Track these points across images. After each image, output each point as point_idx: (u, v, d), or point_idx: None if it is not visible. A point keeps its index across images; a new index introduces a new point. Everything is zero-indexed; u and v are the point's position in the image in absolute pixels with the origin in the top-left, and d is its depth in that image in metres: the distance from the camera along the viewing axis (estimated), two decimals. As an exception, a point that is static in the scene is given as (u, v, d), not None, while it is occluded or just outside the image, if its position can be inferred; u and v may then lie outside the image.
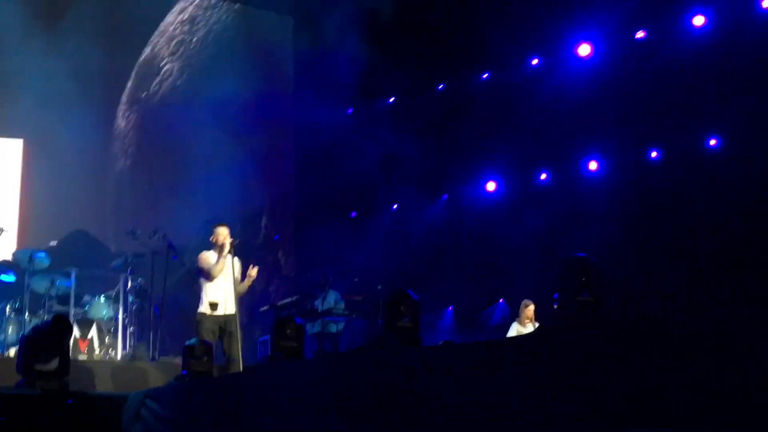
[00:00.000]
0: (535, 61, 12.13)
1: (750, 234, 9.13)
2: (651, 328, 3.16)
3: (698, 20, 10.04)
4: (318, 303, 10.59)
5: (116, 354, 9.70)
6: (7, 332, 9.40)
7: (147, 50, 15.73)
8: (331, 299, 10.91)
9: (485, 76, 12.76)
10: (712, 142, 10.06)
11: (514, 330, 10.12)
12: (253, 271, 8.49)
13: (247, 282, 8.48)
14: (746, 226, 9.19)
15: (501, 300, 12.19)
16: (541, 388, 3.25)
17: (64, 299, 9.96)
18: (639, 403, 2.90)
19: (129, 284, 10.07)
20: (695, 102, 9.92)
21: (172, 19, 15.86)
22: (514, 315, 10.58)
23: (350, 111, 14.26)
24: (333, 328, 10.97)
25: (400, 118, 13.50)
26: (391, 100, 13.94)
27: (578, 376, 3.17)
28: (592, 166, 11.35)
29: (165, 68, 15.42)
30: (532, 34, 11.84)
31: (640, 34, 10.68)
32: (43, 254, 10.03)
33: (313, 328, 10.78)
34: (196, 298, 8.48)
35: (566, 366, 3.23)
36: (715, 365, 2.71)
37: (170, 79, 15.23)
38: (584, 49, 11.25)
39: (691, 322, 3.00)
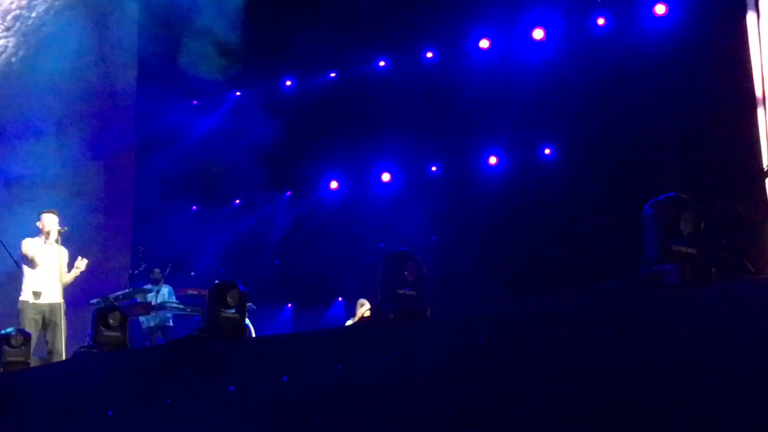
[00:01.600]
0: (383, 63, 12.27)
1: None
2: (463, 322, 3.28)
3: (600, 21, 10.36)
4: (152, 296, 10.35)
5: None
6: None
7: None
8: (165, 293, 10.70)
9: (332, 75, 12.83)
10: (547, 151, 10.55)
11: (349, 327, 10.20)
12: (82, 263, 8.23)
13: (74, 273, 8.21)
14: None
15: (340, 299, 12.30)
16: (358, 383, 3.31)
17: None
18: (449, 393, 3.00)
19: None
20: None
21: None
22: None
23: (195, 102, 14.02)
24: (170, 323, 10.79)
25: (249, 110, 13.38)
26: (237, 94, 13.81)
27: (401, 373, 3.25)
28: (433, 169, 11.63)
29: None
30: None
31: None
32: None
33: (148, 322, 10.54)
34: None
35: (387, 362, 3.30)
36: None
37: (4, 55, 14.39)
38: (484, 43, 11.33)
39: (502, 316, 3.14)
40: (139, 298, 10.05)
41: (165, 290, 10.72)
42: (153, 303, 10.26)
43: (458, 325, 3.41)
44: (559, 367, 2.74)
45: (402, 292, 4.09)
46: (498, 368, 2.96)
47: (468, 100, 11.10)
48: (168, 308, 10.41)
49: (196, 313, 10.54)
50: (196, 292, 10.89)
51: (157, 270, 10.80)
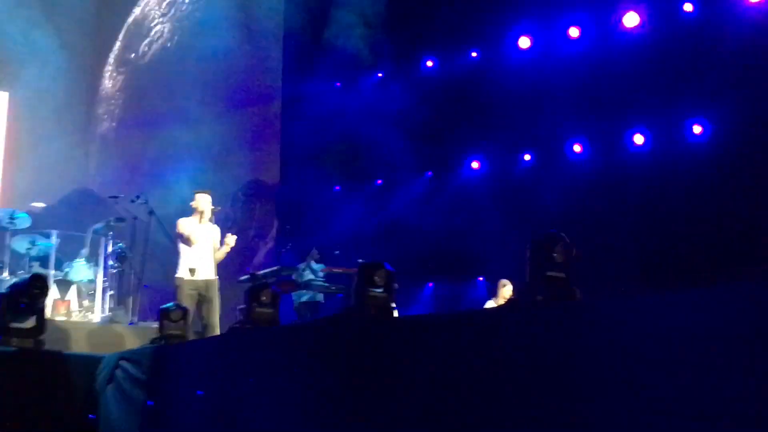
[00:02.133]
0: (527, 43, 12.08)
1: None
2: (620, 306, 3.20)
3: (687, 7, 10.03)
4: (300, 274, 10.64)
5: (95, 316, 9.72)
6: (-15, 291, 9.39)
7: (136, 10, 15.23)
8: (311, 271, 10.97)
9: (474, 54, 12.75)
10: (697, 129, 10.13)
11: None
12: (231, 239, 8.52)
13: (225, 249, 8.51)
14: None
15: (481, 278, 12.27)
16: (510, 360, 3.30)
17: (44, 260, 9.97)
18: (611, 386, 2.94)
19: (110, 248, 10.07)
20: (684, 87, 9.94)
21: None
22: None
23: (338, 84, 14.25)
24: (312, 298, 11.03)
25: (390, 93, 13.49)
26: (380, 75, 13.92)
27: (544, 349, 3.21)
28: (576, 148, 11.40)
29: (155, 29, 15.02)
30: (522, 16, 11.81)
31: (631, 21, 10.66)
32: (24, 215, 10.02)
33: (299, 298, 10.84)
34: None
35: (533, 339, 3.27)
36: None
37: (160, 40, 14.89)
38: (574, 32, 11.22)
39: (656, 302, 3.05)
40: (287, 275, 10.35)
41: (316, 267, 10.98)
42: (300, 281, 10.55)
43: (609, 309, 3.34)
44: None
45: (551, 274, 4.06)
46: (653, 350, 2.87)
47: (615, 77, 10.79)
48: (313, 286, 10.66)
49: (340, 292, 10.76)
50: (340, 271, 11.12)
51: (315, 250, 11.11)
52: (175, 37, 14.65)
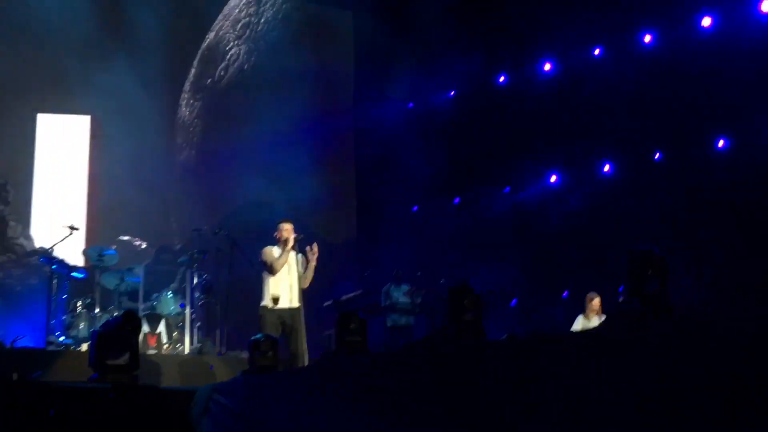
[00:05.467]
0: (597, 51, 11.94)
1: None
2: (728, 322, 3.09)
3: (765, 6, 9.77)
4: (391, 295, 10.71)
5: (184, 349, 9.86)
6: (79, 328, 9.62)
7: (210, 35, 15.19)
8: (399, 293, 10.97)
9: (547, 67, 12.63)
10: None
11: (580, 323, 10.00)
12: (314, 250, 8.43)
13: (311, 265, 8.43)
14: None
15: (565, 292, 12.09)
16: (613, 383, 3.21)
17: (133, 295, 10.18)
18: (718, 400, 2.84)
19: (195, 280, 10.22)
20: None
21: (237, 2, 15.44)
22: (577, 308, 10.46)
23: (411, 105, 14.26)
24: (403, 322, 11.02)
25: (462, 111, 13.45)
26: (452, 93, 13.89)
27: (651, 371, 3.12)
28: (657, 156, 11.17)
29: (231, 52, 14.95)
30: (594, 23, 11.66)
31: (706, 22, 10.45)
32: (112, 251, 10.26)
33: (391, 321, 10.87)
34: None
35: (638, 361, 3.18)
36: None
37: (237, 63, 14.86)
38: (647, 38, 11.04)
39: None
40: (370, 299, 10.36)
41: (399, 289, 10.99)
42: (382, 304, 10.55)
43: (710, 322, 3.22)
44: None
45: (647, 289, 3.96)
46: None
47: (693, 82, 10.55)
48: (398, 309, 10.65)
49: (424, 312, 10.74)
50: (423, 291, 11.10)
51: (398, 270, 11.12)
52: (252, 59, 14.63)
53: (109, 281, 10.14)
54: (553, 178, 12.57)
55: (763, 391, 2.64)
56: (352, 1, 13.57)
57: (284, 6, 14.62)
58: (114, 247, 10.47)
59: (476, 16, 12.74)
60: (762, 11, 9.87)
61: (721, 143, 10.46)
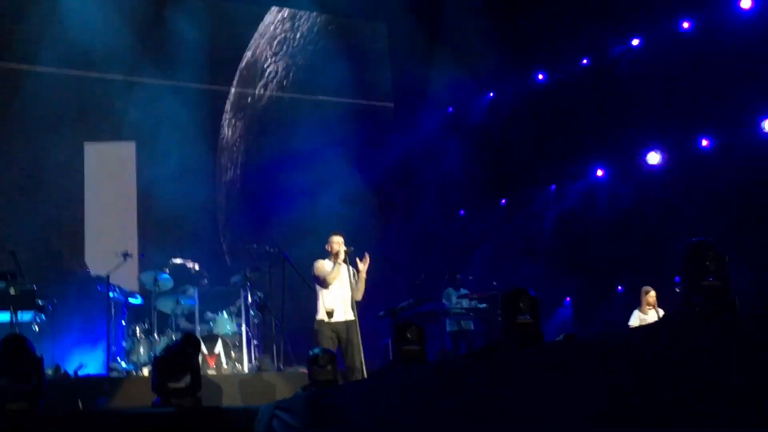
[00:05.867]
0: (635, 42, 11.83)
1: None
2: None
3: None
4: (454, 298, 10.77)
5: (243, 367, 9.95)
6: (139, 353, 9.76)
7: (248, 54, 15.24)
8: (452, 298, 10.97)
9: (585, 62, 12.54)
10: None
11: (636, 318, 9.90)
12: (366, 258, 8.49)
13: (362, 275, 8.48)
14: None
15: (620, 287, 11.97)
16: (681, 382, 3.16)
17: (189, 317, 10.30)
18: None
19: (249, 299, 10.31)
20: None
21: (272, 18, 15.44)
22: (633, 302, 10.35)
23: (450, 109, 14.26)
24: (463, 326, 11.01)
25: (501, 112, 13.41)
26: (490, 95, 13.87)
27: (722, 367, 3.07)
28: (704, 143, 11.01)
29: (269, 69, 15.10)
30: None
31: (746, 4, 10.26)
32: (166, 276, 10.39)
33: (450, 326, 10.90)
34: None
35: (704, 358, 3.13)
36: None
37: (275, 79, 15.00)
38: (745, 3, 10.69)
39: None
40: (425, 307, 10.35)
41: (454, 293, 11.01)
42: (435, 310, 10.55)
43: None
44: None
45: (706, 283, 3.90)
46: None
47: (732, 66, 10.39)
48: (451, 314, 10.64)
49: (479, 317, 10.72)
50: (475, 296, 11.07)
51: (458, 276, 11.15)
52: (290, 74, 14.75)
53: (165, 305, 10.27)
54: (600, 173, 12.46)
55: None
56: (386, 12, 13.58)
57: (319, 20, 14.71)
58: (167, 270, 10.58)
59: (509, 16, 12.71)
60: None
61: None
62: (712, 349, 3.16)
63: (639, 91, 11.47)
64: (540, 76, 13.22)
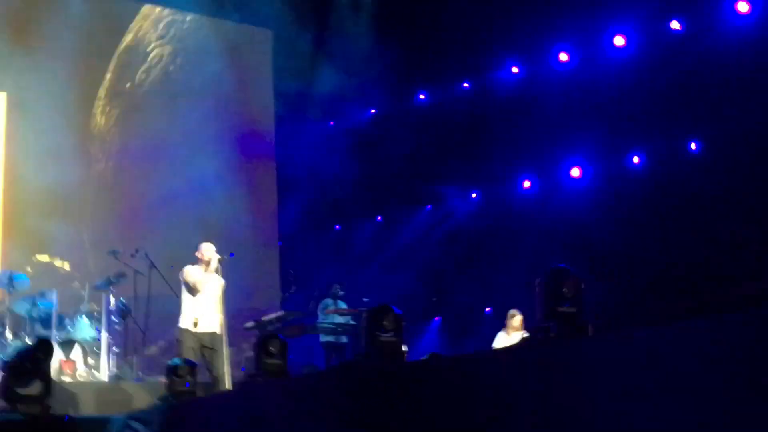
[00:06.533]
0: (564, 57, 11.83)
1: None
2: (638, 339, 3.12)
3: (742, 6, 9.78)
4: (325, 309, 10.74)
5: (101, 374, 9.59)
6: (-11, 356, 9.26)
7: (128, 37, 13.95)
8: (318, 313, 10.93)
9: (465, 85, 12.77)
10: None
11: (501, 340, 10.06)
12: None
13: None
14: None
15: (488, 309, 12.18)
16: (535, 400, 3.22)
17: (46, 321, 9.84)
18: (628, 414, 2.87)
19: (111, 304, 9.95)
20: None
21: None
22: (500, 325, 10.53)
23: (332, 123, 14.24)
24: (338, 339, 10.95)
25: (380, 129, 13.50)
26: (372, 111, 13.94)
27: (571, 387, 3.14)
28: (575, 172, 11.37)
29: (153, 53, 14.28)
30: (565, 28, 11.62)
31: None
32: (23, 276, 9.92)
33: (324, 337, 10.85)
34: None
35: (558, 377, 3.20)
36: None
37: (160, 65, 14.01)
38: (618, 41, 10.93)
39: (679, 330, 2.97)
40: (293, 320, 10.25)
41: (331, 307, 10.98)
42: (319, 321, 10.56)
43: (623, 341, 3.26)
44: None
45: (562, 309, 4.00)
46: (679, 384, 2.79)
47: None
48: (319, 329, 10.58)
49: (348, 333, 10.70)
50: (347, 311, 11.05)
51: (337, 287, 11.10)
52: (178, 59, 13.85)
53: (21, 307, 9.77)
54: (474, 195, 12.70)
55: (674, 414, 2.67)
56: (273, 19, 13.40)
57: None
58: (28, 269, 10.11)
59: (395, 33, 12.78)
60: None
61: (636, 159, 10.69)
62: (563, 372, 3.24)
63: (515, 116, 11.76)
64: (422, 96, 13.38)
